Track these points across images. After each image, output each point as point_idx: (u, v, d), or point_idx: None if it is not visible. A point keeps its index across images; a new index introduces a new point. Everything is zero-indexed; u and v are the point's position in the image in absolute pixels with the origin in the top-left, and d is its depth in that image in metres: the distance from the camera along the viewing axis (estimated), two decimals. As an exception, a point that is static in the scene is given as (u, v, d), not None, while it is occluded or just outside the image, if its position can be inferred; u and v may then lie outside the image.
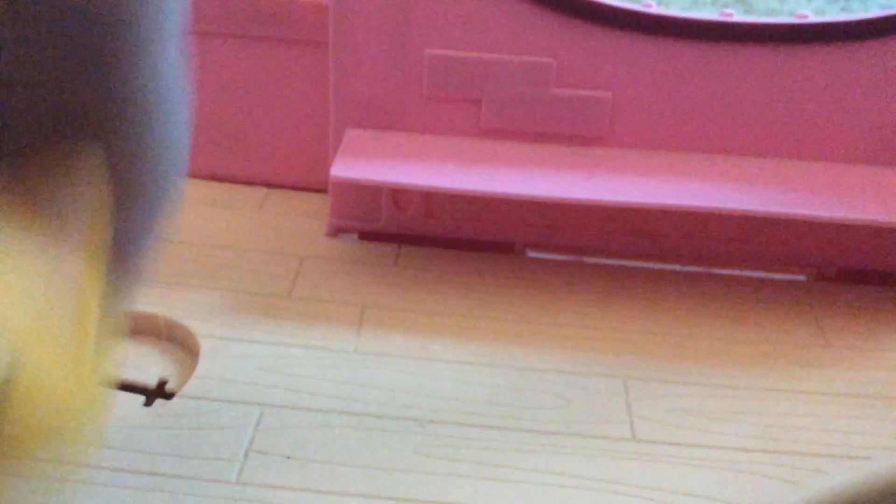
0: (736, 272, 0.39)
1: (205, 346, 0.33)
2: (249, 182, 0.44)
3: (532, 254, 0.40)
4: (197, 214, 0.41)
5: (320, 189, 0.43)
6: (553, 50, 0.35)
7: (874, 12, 0.34)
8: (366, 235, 0.40)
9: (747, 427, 0.30)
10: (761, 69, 0.35)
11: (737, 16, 0.34)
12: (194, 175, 0.44)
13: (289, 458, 0.28)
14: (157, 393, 0.32)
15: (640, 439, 0.29)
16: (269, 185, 0.44)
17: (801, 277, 0.39)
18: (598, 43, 0.35)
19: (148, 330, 0.34)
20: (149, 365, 0.33)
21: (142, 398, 0.31)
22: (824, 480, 0.28)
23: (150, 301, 0.35)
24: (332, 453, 0.28)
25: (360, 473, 0.27)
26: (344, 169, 0.34)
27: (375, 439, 0.29)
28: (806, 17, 0.34)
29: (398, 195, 0.39)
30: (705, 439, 0.29)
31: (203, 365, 0.32)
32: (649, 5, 0.34)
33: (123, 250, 0.21)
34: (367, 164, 0.35)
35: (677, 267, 0.40)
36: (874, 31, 0.33)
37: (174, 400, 0.30)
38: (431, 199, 0.39)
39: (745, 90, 0.35)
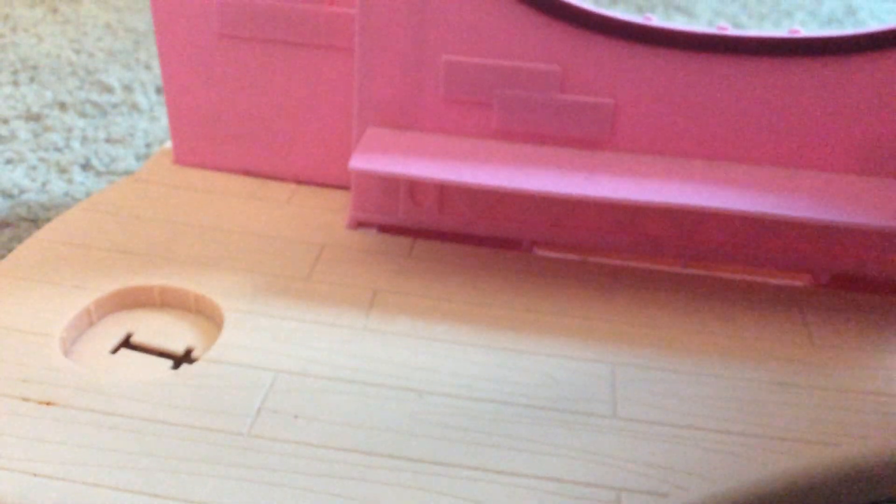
0: (734, 276, 0.41)
1: (228, 318, 0.36)
2: (280, 178, 0.47)
3: (538, 252, 0.42)
4: (229, 205, 0.44)
5: (345, 186, 0.47)
6: (559, 58, 0.38)
7: (866, 28, 0.36)
8: (384, 229, 0.43)
9: (724, 411, 0.32)
10: (755, 80, 0.37)
11: (731, 30, 0.36)
12: (228, 170, 0.47)
13: (296, 416, 0.31)
14: (183, 359, 0.35)
15: (620, 417, 0.31)
16: (297, 181, 0.47)
17: (797, 283, 0.41)
18: (601, 52, 0.37)
19: (178, 303, 0.38)
20: (178, 334, 0.36)
21: (170, 363, 0.35)
22: (792, 462, 0.30)
23: (182, 278, 0.38)
24: (336, 415, 0.31)
25: (359, 433, 0.30)
26: (362, 161, 0.37)
27: (375, 405, 0.32)
28: (798, 32, 0.36)
29: (414, 191, 0.42)
30: (683, 420, 0.31)
31: (226, 334, 0.35)
32: (649, 18, 0.37)
33: None
34: (384, 157, 0.38)
35: (678, 269, 0.42)
36: (866, 46, 0.35)
37: (197, 363, 0.33)
38: (445, 196, 0.42)
39: (739, 100, 0.37)
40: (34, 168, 0.52)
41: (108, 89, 0.63)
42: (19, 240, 0.44)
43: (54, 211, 0.47)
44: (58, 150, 0.54)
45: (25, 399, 0.31)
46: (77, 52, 0.70)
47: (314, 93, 0.44)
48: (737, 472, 0.29)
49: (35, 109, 0.59)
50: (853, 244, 0.40)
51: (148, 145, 0.56)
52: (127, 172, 0.52)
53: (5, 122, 0.57)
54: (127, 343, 0.36)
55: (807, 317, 0.38)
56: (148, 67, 0.68)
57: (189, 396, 0.31)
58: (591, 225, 0.41)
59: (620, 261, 0.42)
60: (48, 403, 0.31)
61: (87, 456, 0.28)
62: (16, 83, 0.63)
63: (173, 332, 0.36)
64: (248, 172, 0.48)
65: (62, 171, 0.52)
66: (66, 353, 0.34)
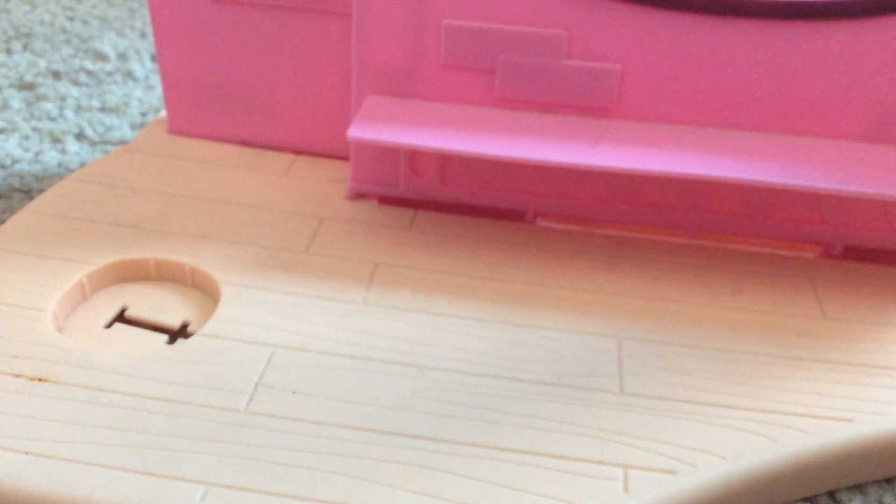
0: (743, 247, 0.40)
1: (225, 292, 0.35)
2: (278, 148, 0.46)
3: (542, 223, 0.41)
4: (225, 176, 0.43)
5: (345, 157, 0.45)
6: (565, 22, 0.36)
7: (883, -9, 0.34)
8: (385, 200, 0.42)
9: (734, 386, 0.31)
10: (767, 45, 0.36)
11: (744, -8, 0.35)
12: (225, 139, 0.46)
13: (294, 392, 0.30)
14: (179, 333, 0.34)
15: (626, 392, 0.31)
16: (296, 152, 0.46)
17: (808, 255, 0.40)
18: (607, 16, 0.36)
19: (174, 277, 0.37)
20: (174, 308, 0.35)
21: (165, 337, 0.34)
22: (804, 439, 0.29)
23: (177, 251, 0.37)
24: (335, 391, 0.30)
25: (359, 409, 0.29)
26: (361, 130, 0.36)
27: (376, 381, 0.31)
28: (813, -6, 0.34)
29: (415, 161, 0.41)
30: (691, 395, 0.31)
31: (222, 309, 0.34)
32: (659, -20, 0.35)
33: None
34: (383, 126, 0.37)
35: (684, 240, 0.41)
36: (880, 8, 0.34)
37: (193, 338, 0.32)
38: (447, 166, 0.41)
39: (751, 65, 0.36)
40: (27, 138, 0.51)
41: (103, 57, 0.62)
42: (11, 211, 0.43)
43: (47, 182, 0.46)
44: (51, 119, 0.53)
45: (17, 375, 0.30)
46: (71, 19, 0.68)
47: (313, 59, 0.43)
48: (747, 448, 0.28)
49: (28, 78, 0.58)
50: (866, 215, 0.39)
51: (143, 114, 0.54)
52: (122, 142, 0.51)
53: (-3, 91, 0.56)
54: (121, 317, 0.35)
55: (818, 289, 0.37)
56: (143, 35, 0.66)
57: (185, 372, 0.31)
58: (596, 195, 0.40)
59: (627, 232, 0.41)
60: (40, 380, 0.30)
61: (79, 433, 0.28)
62: (8, 51, 0.62)
63: (169, 307, 0.35)
64: (244, 142, 0.46)
65: (56, 140, 0.50)
66: (59, 327, 0.33)
